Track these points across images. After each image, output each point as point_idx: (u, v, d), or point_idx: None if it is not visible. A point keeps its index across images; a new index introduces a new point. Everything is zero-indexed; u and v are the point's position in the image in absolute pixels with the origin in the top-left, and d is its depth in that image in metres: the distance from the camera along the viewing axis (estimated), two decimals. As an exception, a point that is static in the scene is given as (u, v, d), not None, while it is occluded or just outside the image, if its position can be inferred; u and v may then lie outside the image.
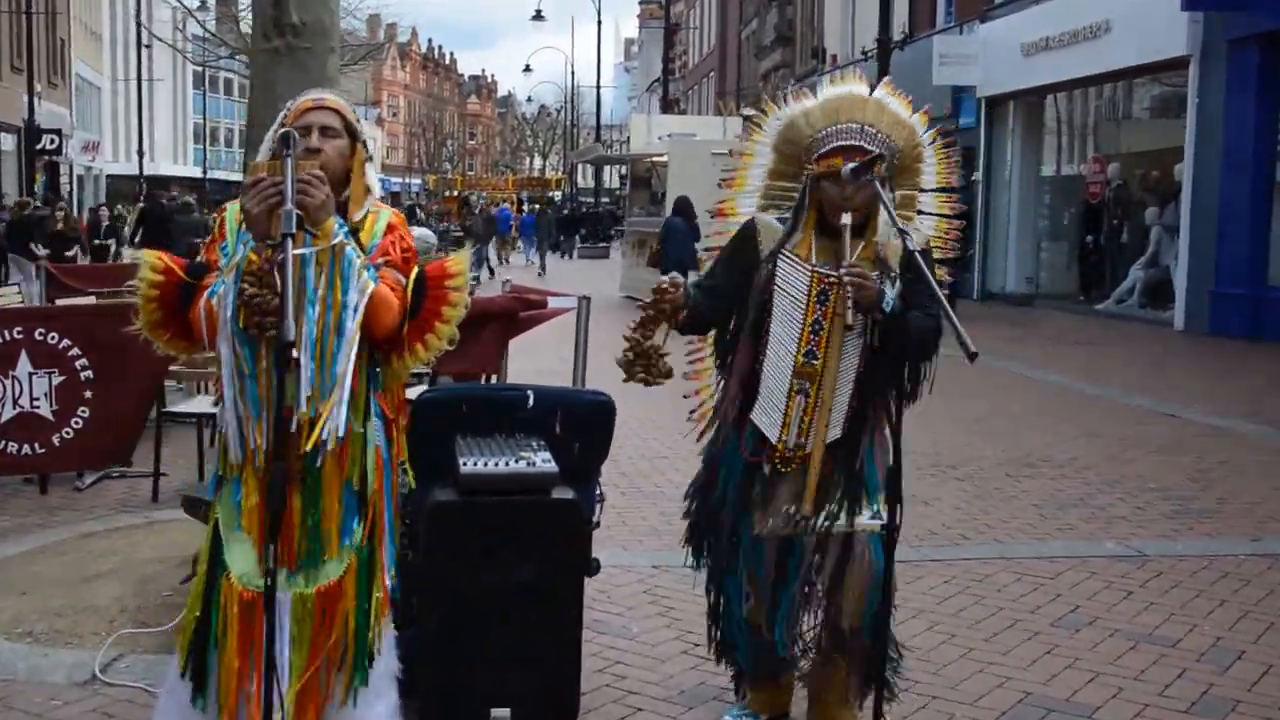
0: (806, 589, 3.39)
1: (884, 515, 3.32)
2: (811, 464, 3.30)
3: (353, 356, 2.94)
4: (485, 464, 3.62)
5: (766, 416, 3.34)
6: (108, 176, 47.02)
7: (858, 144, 3.27)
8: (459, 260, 3.12)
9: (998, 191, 21.19)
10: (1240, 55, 15.02)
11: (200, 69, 50.87)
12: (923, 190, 3.60)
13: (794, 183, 3.53)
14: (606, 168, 47.26)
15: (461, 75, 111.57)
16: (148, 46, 40.11)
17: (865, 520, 3.34)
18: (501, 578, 3.61)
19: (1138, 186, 18.34)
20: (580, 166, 54.62)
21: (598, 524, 4.22)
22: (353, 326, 2.91)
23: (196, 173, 55.69)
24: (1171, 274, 16.44)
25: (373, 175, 3.16)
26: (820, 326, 3.28)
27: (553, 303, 7.31)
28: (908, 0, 24.90)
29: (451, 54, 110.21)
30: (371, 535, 3.10)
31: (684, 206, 18.34)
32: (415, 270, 3.08)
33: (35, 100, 29.54)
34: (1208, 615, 4.96)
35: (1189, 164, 15.94)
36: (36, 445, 6.32)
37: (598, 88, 51.32)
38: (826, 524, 3.31)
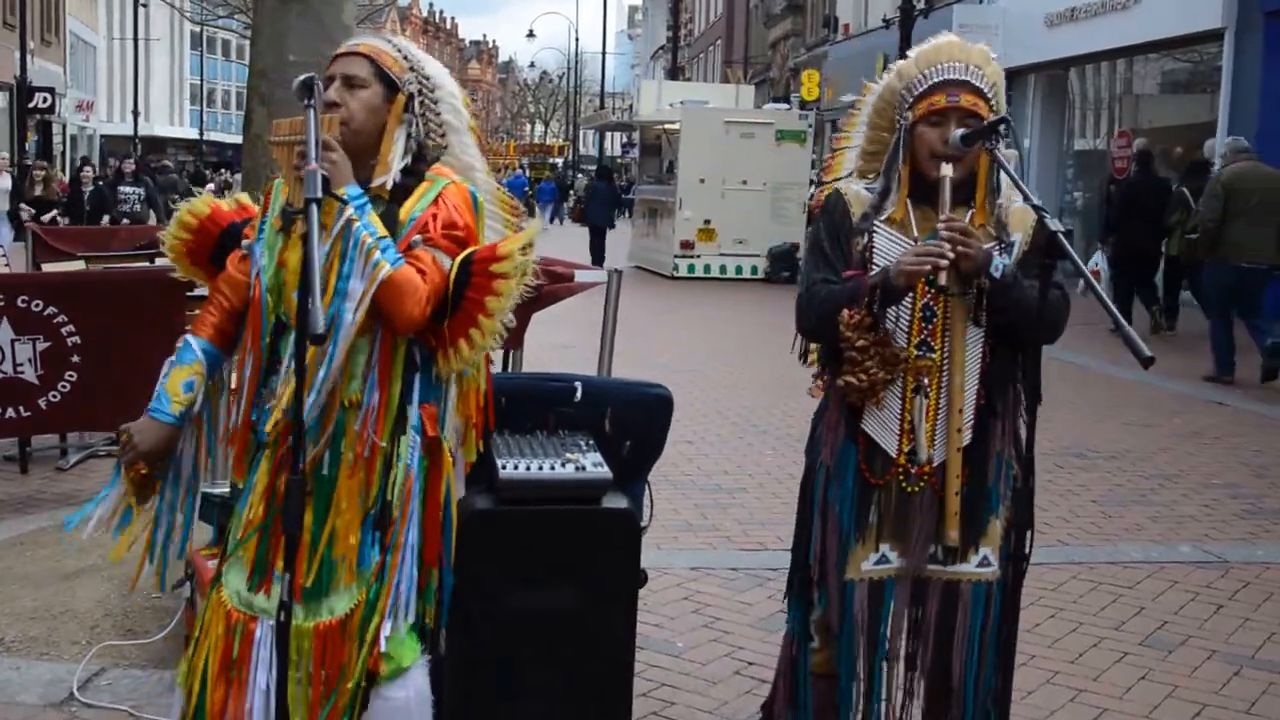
0: (892, 647, 2.85)
1: (993, 559, 2.81)
2: (949, 479, 2.74)
3: (343, 352, 2.47)
4: (527, 467, 3.11)
5: (882, 425, 2.76)
6: (102, 137, 46.28)
7: (963, 79, 2.72)
8: (511, 241, 2.57)
9: (1020, 165, 20.65)
10: (1279, 27, 14.44)
11: (198, 29, 50.02)
12: None
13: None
14: (609, 135, 46.51)
15: (463, 40, 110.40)
16: (144, 4, 39.37)
17: (972, 568, 2.80)
18: (546, 597, 3.12)
19: (1162, 163, 17.78)
20: (582, 134, 53.86)
21: (646, 526, 3.72)
22: (351, 319, 2.43)
23: (193, 134, 54.97)
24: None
25: (402, 137, 2.60)
26: (932, 313, 2.72)
27: (580, 275, 6.77)
28: (925, -32, 24.20)
29: (453, 19, 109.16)
30: (383, 572, 2.58)
31: (605, 172, 24.19)
32: (464, 253, 2.56)
33: (28, 58, 28.80)
34: (1312, 634, 4.48)
35: (1221, 140, 15.38)
36: (21, 409, 5.95)
37: (603, 54, 50.48)
38: (940, 564, 2.79)
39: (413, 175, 2.59)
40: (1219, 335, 9.94)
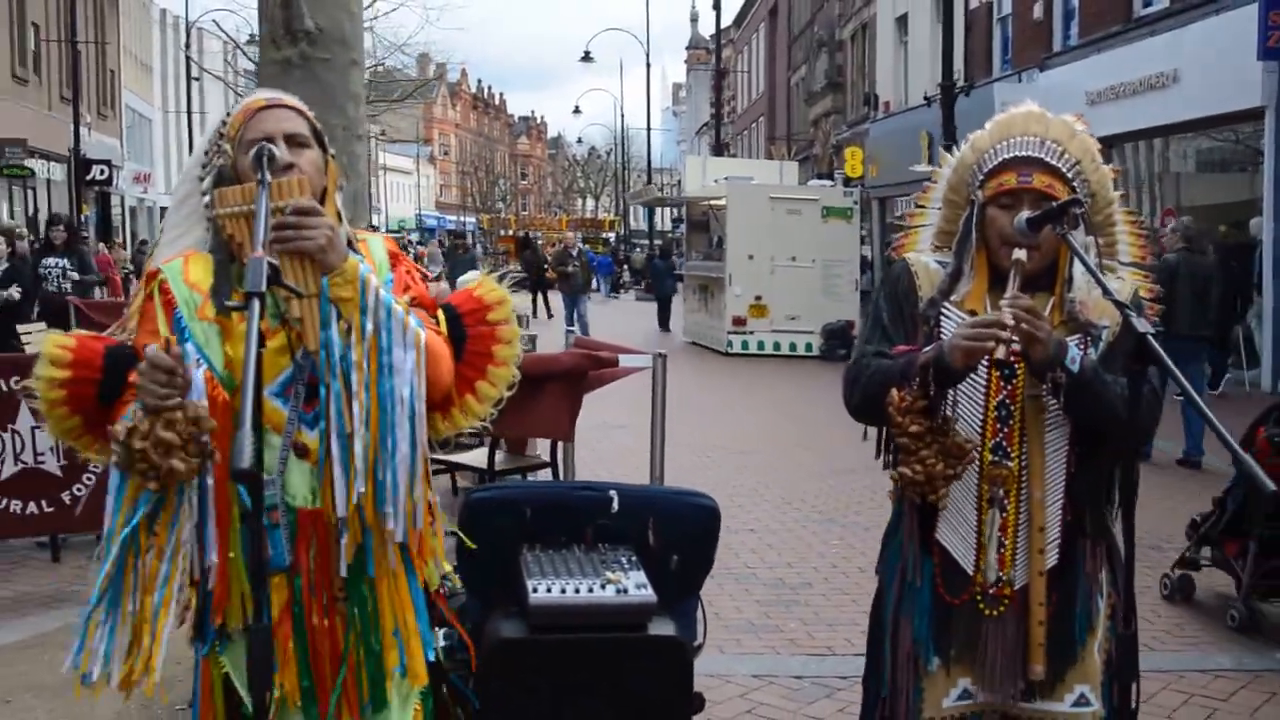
0: None
1: (1093, 698, 2.52)
2: (1031, 605, 2.47)
3: (423, 434, 2.19)
4: (562, 589, 2.84)
5: (956, 537, 2.49)
6: (161, 209, 46.98)
7: (1037, 156, 2.45)
8: (490, 284, 2.40)
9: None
10: (1319, 107, 14.21)
11: (251, 104, 50.83)
12: (1120, 264, 2.64)
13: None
14: (659, 209, 46.72)
15: (511, 115, 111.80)
16: (197, 79, 40.05)
17: (1067, 708, 2.52)
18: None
19: (1207, 240, 17.46)
20: (633, 208, 54.20)
21: (700, 646, 3.43)
22: (411, 393, 2.15)
23: (247, 207, 55.61)
24: (1254, 333, 15.60)
25: (341, 203, 2.38)
26: (1009, 413, 2.43)
27: (624, 360, 6.54)
28: (963, 47, 24.12)
29: (501, 94, 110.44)
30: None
31: (665, 250, 29.41)
32: (442, 307, 2.39)
33: (84, 130, 29.31)
34: None
35: (1268, 218, 15.21)
36: (44, 504, 5.89)
37: (648, 129, 50.81)
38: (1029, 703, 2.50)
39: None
40: None
